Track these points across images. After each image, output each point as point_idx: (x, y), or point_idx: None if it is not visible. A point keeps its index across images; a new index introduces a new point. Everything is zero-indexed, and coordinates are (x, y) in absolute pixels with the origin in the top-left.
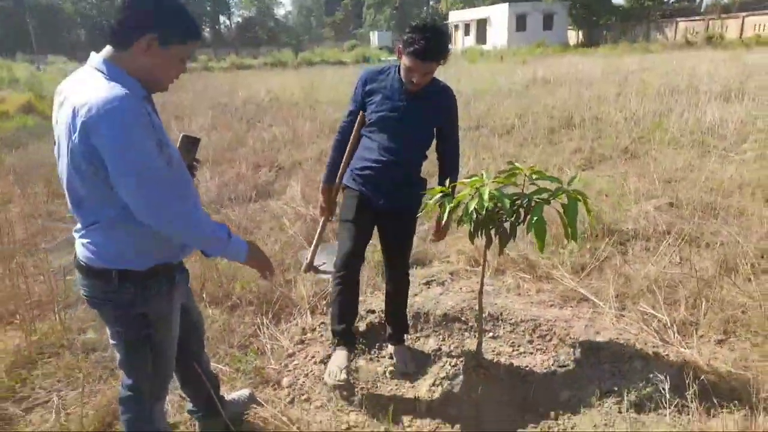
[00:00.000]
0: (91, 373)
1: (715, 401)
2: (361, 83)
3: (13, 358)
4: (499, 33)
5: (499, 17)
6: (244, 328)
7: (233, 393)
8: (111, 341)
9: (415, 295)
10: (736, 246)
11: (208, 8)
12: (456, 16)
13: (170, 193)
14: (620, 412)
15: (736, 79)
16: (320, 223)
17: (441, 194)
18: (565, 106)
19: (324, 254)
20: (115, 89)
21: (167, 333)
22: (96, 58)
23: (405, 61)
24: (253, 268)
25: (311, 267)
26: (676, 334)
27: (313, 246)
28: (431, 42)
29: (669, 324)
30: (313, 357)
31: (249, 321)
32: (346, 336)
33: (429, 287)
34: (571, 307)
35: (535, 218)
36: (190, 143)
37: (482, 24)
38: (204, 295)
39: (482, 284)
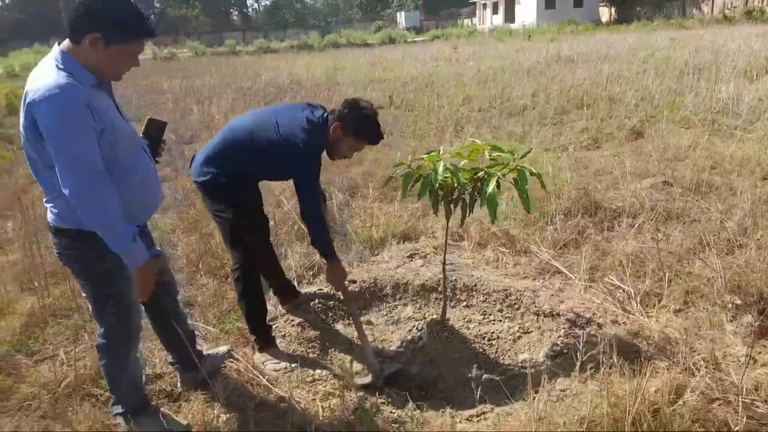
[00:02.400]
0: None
1: (660, 364)
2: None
3: (28, 318)
4: (527, 11)
5: None
6: (234, 295)
7: (213, 349)
8: (83, 294)
9: (398, 267)
10: (719, 223)
11: None
12: None
13: (88, 180)
14: (564, 371)
15: (764, 55)
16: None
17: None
18: (582, 85)
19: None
20: (60, 78)
21: (126, 287)
22: (55, 49)
23: (354, 144)
24: (139, 278)
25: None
26: (638, 305)
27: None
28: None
29: (633, 295)
30: (292, 320)
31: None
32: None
33: (412, 260)
34: (543, 279)
35: (488, 190)
36: (156, 127)
37: (510, 2)
38: (200, 265)
39: (445, 253)
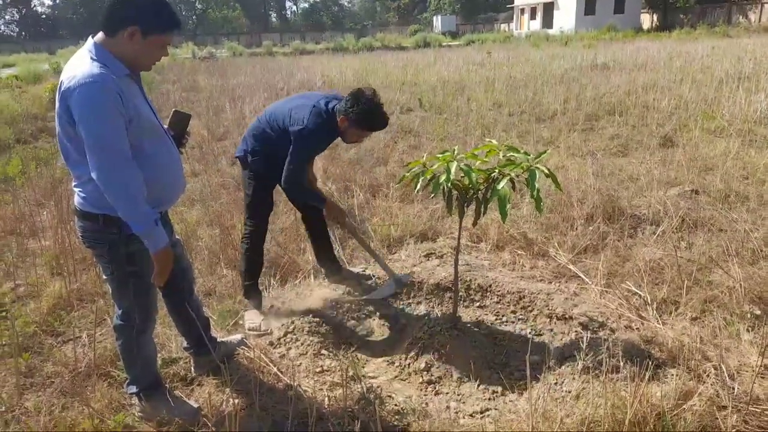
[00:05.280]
0: None
1: (670, 370)
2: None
3: (56, 301)
4: (566, 16)
5: (567, 0)
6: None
7: (228, 337)
8: (103, 276)
9: (414, 265)
10: (745, 233)
11: None
12: (522, 0)
13: (116, 164)
14: (572, 374)
15: None
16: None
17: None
18: (616, 92)
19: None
20: (94, 68)
21: (146, 270)
22: (89, 41)
23: (361, 132)
24: (158, 261)
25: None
26: (654, 311)
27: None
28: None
29: (649, 301)
30: (302, 310)
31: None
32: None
33: (428, 259)
34: (559, 282)
35: (499, 189)
36: (180, 118)
37: (549, 7)
38: (221, 257)
39: (457, 252)
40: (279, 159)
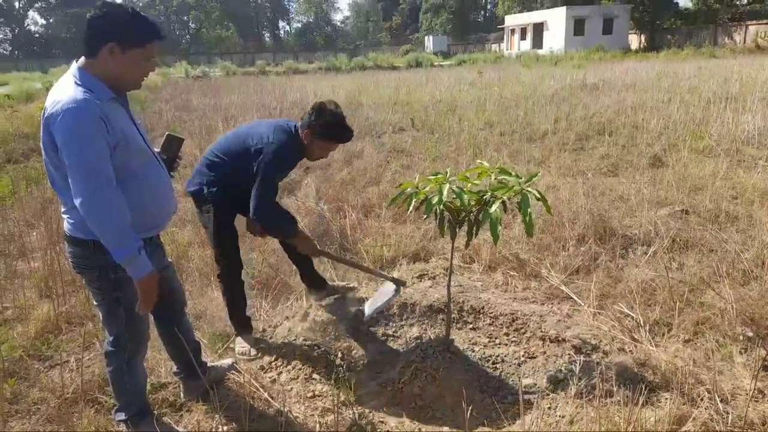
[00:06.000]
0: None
1: (663, 394)
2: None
3: (43, 324)
4: (556, 37)
5: (556, 21)
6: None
7: (218, 361)
8: (93, 302)
9: (407, 287)
10: (735, 254)
11: (269, 14)
12: (512, 20)
13: (99, 190)
14: (565, 398)
15: None
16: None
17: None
18: (606, 112)
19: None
20: (77, 93)
21: (136, 297)
22: (73, 66)
23: (326, 145)
24: (142, 289)
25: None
26: (647, 333)
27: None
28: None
29: (642, 323)
30: (294, 334)
31: (249, 303)
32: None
33: (421, 280)
34: (552, 304)
35: (491, 212)
36: (173, 141)
37: (539, 28)
38: (212, 278)
39: (450, 274)
40: (238, 186)
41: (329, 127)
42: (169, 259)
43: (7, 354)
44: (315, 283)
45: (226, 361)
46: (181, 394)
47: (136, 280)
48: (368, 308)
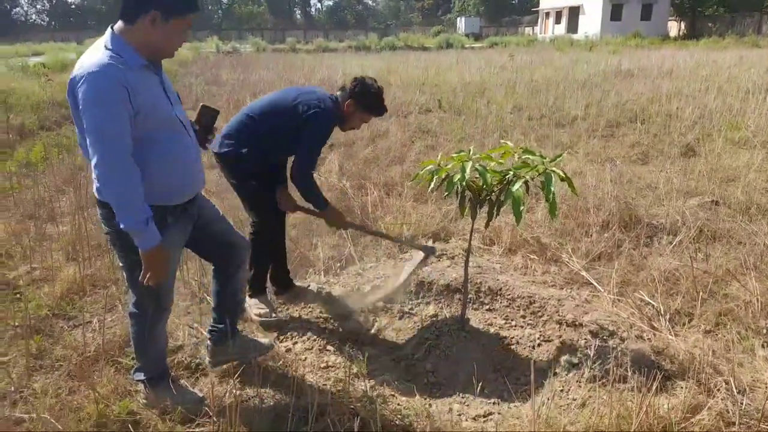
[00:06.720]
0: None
1: (680, 383)
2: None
3: (69, 285)
4: (591, 22)
5: (593, 5)
6: None
7: (258, 336)
8: (119, 263)
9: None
10: (765, 246)
11: None
12: (547, 3)
13: (114, 156)
14: (578, 381)
15: None
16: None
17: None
18: (639, 100)
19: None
20: (103, 57)
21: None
22: (108, 31)
23: (365, 117)
24: (146, 261)
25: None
26: (667, 322)
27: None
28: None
29: (662, 312)
30: (310, 308)
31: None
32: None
33: (439, 260)
34: (571, 289)
35: (513, 190)
36: (208, 114)
37: (575, 11)
38: None
39: (468, 254)
40: (271, 150)
41: (371, 97)
42: (221, 213)
43: (34, 312)
44: (283, 282)
45: (265, 340)
46: (207, 360)
47: (142, 251)
48: (402, 276)
